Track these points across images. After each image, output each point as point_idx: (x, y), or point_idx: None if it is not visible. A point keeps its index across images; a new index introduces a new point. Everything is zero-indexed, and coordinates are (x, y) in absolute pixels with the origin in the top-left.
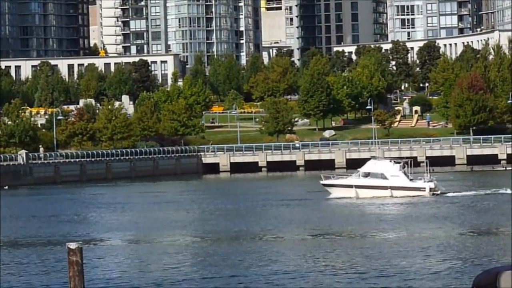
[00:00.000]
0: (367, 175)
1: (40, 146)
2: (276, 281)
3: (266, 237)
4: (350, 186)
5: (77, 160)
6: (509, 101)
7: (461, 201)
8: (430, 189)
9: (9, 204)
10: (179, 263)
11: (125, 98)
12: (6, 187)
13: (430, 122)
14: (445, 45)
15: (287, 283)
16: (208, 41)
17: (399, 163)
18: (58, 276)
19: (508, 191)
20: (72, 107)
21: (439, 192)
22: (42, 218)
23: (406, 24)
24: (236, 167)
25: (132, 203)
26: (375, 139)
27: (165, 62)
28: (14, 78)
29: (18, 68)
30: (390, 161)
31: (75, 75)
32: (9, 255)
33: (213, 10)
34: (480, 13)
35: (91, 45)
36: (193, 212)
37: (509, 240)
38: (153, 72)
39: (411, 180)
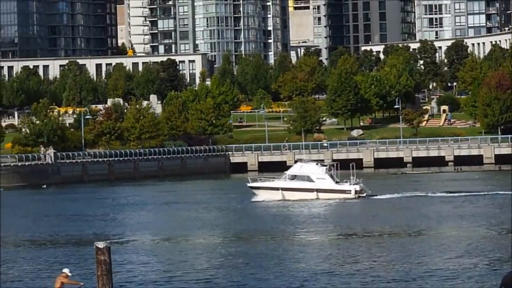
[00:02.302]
0: (293, 177)
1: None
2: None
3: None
4: (277, 189)
5: (105, 159)
6: None
7: (386, 203)
8: (356, 192)
9: (37, 203)
10: (208, 262)
11: (153, 97)
12: (45, 186)
13: (451, 120)
14: (473, 44)
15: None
16: (236, 41)
17: (326, 165)
18: (86, 275)
19: (438, 194)
20: (100, 106)
21: (365, 194)
22: (70, 217)
23: (434, 23)
24: (264, 166)
25: (160, 203)
26: (402, 138)
27: (193, 61)
28: (42, 78)
29: (46, 67)
30: (317, 163)
31: (103, 75)
32: (37, 253)
33: (241, 9)
34: (508, 12)
35: (119, 44)
36: (221, 211)
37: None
38: (181, 72)
39: (337, 182)
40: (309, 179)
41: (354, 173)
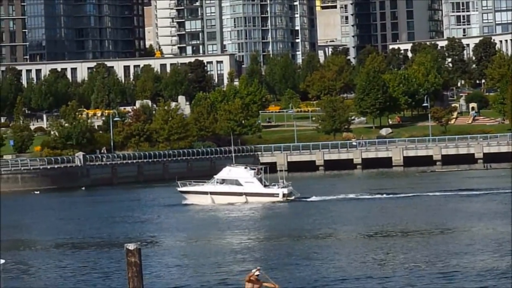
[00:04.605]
0: (222, 181)
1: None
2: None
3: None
4: (206, 193)
5: (134, 161)
6: None
7: (311, 206)
8: (284, 195)
9: (68, 206)
10: (237, 263)
11: (181, 98)
12: (83, 188)
13: (476, 117)
14: (501, 41)
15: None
16: (263, 41)
17: (254, 169)
18: (118, 277)
19: (366, 196)
20: (128, 108)
21: (293, 197)
22: (101, 219)
23: (462, 20)
24: (293, 166)
25: (189, 203)
26: (431, 136)
27: (221, 62)
28: (70, 80)
29: (74, 70)
30: (245, 167)
31: (131, 77)
32: (68, 256)
33: (268, 9)
34: None
35: (147, 46)
36: (249, 212)
37: None
38: (209, 72)
39: (265, 186)
40: (237, 183)
41: (283, 176)
